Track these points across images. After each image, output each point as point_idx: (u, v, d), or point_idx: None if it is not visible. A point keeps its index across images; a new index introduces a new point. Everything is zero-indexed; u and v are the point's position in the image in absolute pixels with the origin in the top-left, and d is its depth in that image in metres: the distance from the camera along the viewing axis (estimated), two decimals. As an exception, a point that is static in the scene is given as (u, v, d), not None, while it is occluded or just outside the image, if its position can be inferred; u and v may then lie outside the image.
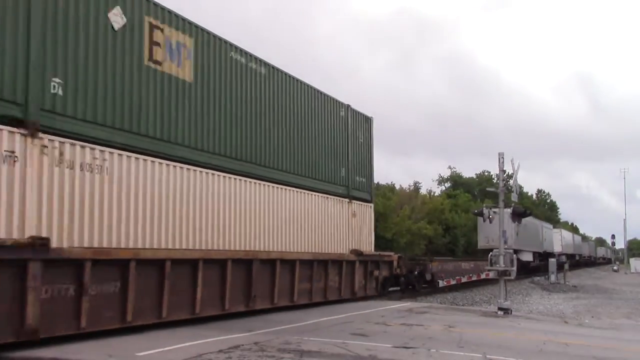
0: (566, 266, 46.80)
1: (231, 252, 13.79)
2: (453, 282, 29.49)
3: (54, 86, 9.81)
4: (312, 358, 9.21)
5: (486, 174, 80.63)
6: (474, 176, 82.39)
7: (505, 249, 18.82)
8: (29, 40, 9.43)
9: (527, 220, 36.20)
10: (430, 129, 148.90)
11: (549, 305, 25.08)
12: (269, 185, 15.55)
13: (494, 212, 21.22)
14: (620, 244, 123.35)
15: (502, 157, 18.82)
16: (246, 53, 15.06)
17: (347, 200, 19.72)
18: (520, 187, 44.16)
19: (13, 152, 9.00)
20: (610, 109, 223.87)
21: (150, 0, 12.04)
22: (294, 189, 16.70)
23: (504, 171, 19.04)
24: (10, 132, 9.06)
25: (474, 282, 32.56)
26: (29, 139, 9.26)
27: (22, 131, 9.19)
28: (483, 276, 32.72)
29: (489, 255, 19.55)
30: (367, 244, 20.97)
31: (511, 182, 19.92)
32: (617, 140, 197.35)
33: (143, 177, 11.61)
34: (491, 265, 19.15)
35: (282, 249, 15.88)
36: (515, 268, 18.85)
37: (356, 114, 20.84)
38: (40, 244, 9.11)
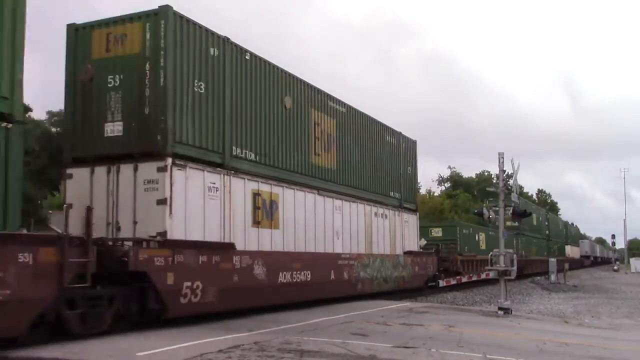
0: (566, 266, 46.82)
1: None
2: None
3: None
4: (312, 358, 9.20)
5: (486, 173, 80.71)
6: (474, 176, 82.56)
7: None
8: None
9: (588, 241, 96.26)
10: (422, 129, 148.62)
11: (549, 305, 25.07)
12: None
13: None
14: (620, 244, 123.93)
15: (502, 157, 18.78)
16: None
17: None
18: (521, 187, 44.14)
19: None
20: (597, 108, 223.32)
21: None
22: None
23: (504, 171, 19.03)
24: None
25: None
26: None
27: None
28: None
29: (490, 255, 19.58)
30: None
31: (511, 182, 19.91)
32: (609, 139, 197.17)
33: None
34: (491, 265, 19.14)
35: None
36: (515, 268, 18.83)
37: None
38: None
